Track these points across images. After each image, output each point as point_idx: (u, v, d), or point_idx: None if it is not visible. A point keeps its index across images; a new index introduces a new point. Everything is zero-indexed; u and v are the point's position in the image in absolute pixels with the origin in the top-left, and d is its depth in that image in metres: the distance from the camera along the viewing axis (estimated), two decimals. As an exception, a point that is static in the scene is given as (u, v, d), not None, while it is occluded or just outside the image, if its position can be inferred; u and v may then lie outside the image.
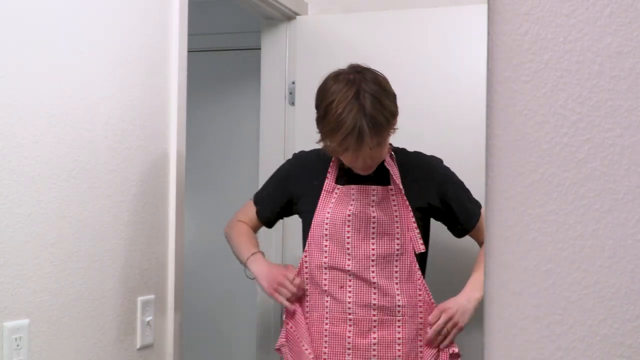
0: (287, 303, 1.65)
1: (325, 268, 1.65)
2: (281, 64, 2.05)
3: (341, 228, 1.64)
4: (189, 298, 1.77)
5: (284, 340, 1.70)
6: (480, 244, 1.69)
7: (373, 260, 1.62)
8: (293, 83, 2.00)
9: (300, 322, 1.66)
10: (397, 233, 1.62)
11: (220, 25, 2.38)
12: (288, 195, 1.76)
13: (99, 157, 1.49)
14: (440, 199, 1.67)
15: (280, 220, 1.84)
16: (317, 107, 1.61)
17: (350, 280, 1.63)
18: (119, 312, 1.56)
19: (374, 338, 1.61)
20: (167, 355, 1.70)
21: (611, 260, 0.99)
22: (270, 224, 1.81)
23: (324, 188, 1.67)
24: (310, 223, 1.67)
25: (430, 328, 1.60)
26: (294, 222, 1.80)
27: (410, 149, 1.72)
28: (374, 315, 1.62)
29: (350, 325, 1.62)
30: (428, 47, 1.91)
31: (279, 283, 1.66)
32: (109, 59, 1.52)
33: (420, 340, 1.62)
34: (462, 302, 1.61)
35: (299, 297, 1.67)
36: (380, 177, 1.65)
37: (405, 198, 1.62)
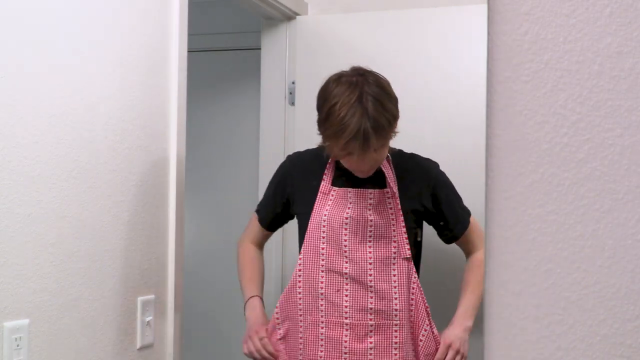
0: (247, 353, 1.69)
1: (322, 271, 1.64)
2: (281, 64, 2.05)
3: (339, 231, 1.63)
4: (189, 298, 1.77)
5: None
6: (467, 253, 1.70)
7: (370, 264, 1.61)
8: (293, 83, 2.00)
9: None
10: (394, 236, 1.62)
11: (220, 25, 2.38)
12: (285, 196, 1.76)
13: (99, 157, 1.49)
14: (433, 203, 1.67)
15: (265, 216, 1.84)
16: (319, 109, 1.60)
17: (347, 284, 1.62)
18: (119, 312, 1.56)
19: (371, 342, 1.60)
20: (167, 355, 1.70)
21: (611, 260, 0.99)
22: (271, 227, 1.81)
23: (320, 190, 1.67)
24: (306, 225, 1.66)
25: None
26: (293, 223, 1.79)
27: (410, 149, 1.72)
28: (370, 320, 1.61)
29: (346, 330, 1.61)
30: (428, 47, 1.91)
31: (249, 336, 1.71)
32: (109, 59, 1.52)
33: (419, 344, 1.62)
34: (460, 334, 1.63)
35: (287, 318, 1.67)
36: (376, 179, 1.65)
37: (398, 202, 1.62)
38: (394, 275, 1.61)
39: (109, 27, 1.51)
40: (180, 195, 1.71)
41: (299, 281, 1.66)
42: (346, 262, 1.62)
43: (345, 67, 1.62)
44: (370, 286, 1.61)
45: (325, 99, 1.58)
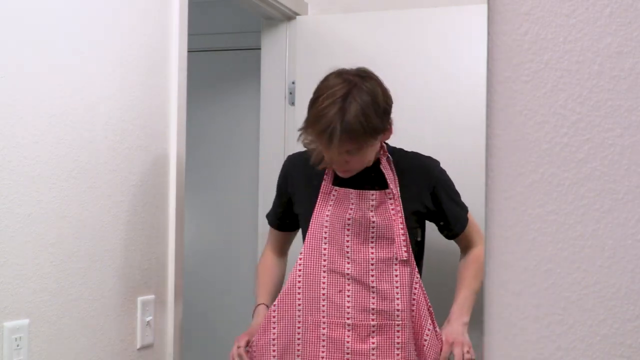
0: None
1: (324, 272, 1.64)
2: (281, 64, 2.05)
3: (341, 232, 1.63)
4: (189, 298, 1.77)
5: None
6: (464, 248, 1.71)
7: (372, 265, 1.61)
8: (293, 83, 2.00)
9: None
10: (395, 237, 1.62)
11: (220, 25, 2.38)
12: (287, 195, 1.77)
13: (99, 157, 1.49)
14: (434, 202, 1.67)
15: (274, 218, 1.84)
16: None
17: (349, 285, 1.62)
18: (119, 312, 1.56)
19: (373, 343, 1.60)
20: (167, 355, 1.70)
21: (611, 260, 0.99)
22: (282, 227, 1.81)
23: (321, 190, 1.66)
24: (308, 225, 1.66)
25: None
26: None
27: (410, 149, 1.71)
28: (372, 320, 1.61)
29: (348, 330, 1.61)
30: (428, 47, 1.91)
31: (235, 342, 1.70)
32: (109, 59, 1.52)
33: (424, 345, 1.62)
34: (461, 330, 1.62)
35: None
36: (377, 180, 1.65)
37: (398, 203, 1.62)
38: (396, 276, 1.61)
39: (109, 27, 1.51)
40: (180, 195, 1.71)
41: (299, 281, 1.66)
42: (348, 263, 1.62)
43: (345, 67, 1.62)
44: (372, 287, 1.61)
45: (318, 88, 1.60)
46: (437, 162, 1.69)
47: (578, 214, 1.00)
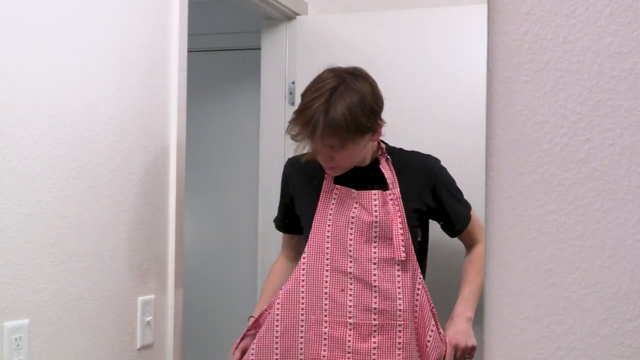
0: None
1: (327, 270, 1.64)
2: (281, 64, 2.05)
3: (344, 230, 1.63)
4: (189, 298, 1.77)
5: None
6: (468, 246, 1.71)
7: (375, 264, 1.61)
8: (293, 83, 2.00)
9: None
10: (397, 237, 1.62)
11: (220, 25, 2.38)
12: (289, 196, 1.77)
13: (99, 157, 1.49)
14: (435, 200, 1.68)
15: (280, 222, 1.84)
16: None
17: (351, 284, 1.62)
18: (119, 312, 1.56)
19: (374, 342, 1.60)
20: (167, 355, 1.70)
21: (611, 260, 0.99)
22: (288, 229, 1.81)
23: (322, 188, 1.67)
24: (310, 225, 1.66)
25: None
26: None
27: (410, 149, 1.71)
28: (374, 320, 1.61)
29: (350, 329, 1.61)
30: (428, 47, 1.91)
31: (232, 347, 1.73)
32: (109, 59, 1.52)
33: (426, 345, 1.62)
34: (463, 329, 1.62)
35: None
36: (377, 181, 1.65)
37: (398, 202, 1.62)
38: (398, 276, 1.61)
39: (109, 27, 1.51)
40: (180, 195, 1.71)
41: (302, 280, 1.66)
42: (350, 262, 1.62)
43: (344, 66, 1.62)
44: (375, 286, 1.61)
45: (310, 82, 1.61)
46: (437, 160, 1.69)
47: (578, 214, 1.00)
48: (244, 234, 2.30)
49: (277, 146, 2.03)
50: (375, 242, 1.62)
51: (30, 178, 1.33)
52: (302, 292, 1.66)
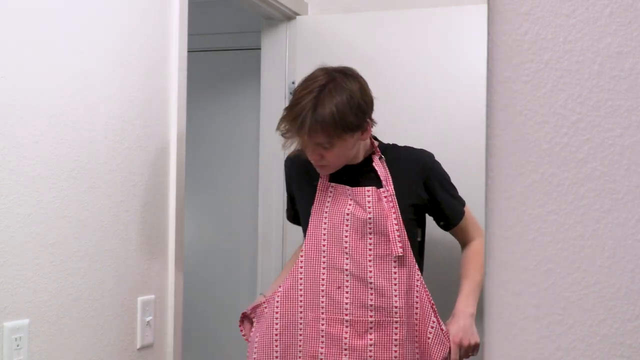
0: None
1: (324, 268, 1.65)
2: (281, 64, 2.05)
3: (339, 227, 1.64)
4: (189, 298, 1.77)
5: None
6: (463, 243, 1.72)
7: (370, 261, 1.62)
8: (293, 83, 2.00)
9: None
10: (392, 234, 1.62)
11: (220, 25, 2.38)
12: (290, 191, 1.80)
13: (99, 157, 1.49)
14: (428, 194, 1.68)
15: (280, 221, 1.84)
16: None
17: (347, 281, 1.62)
18: (119, 312, 1.56)
19: (371, 339, 1.61)
20: (167, 355, 1.70)
21: (611, 260, 0.99)
22: (297, 220, 1.82)
23: (318, 187, 1.68)
24: (307, 222, 1.67)
25: None
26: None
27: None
28: (370, 316, 1.61)
29: (346, 327, 1.62)
30: (428, 47, 1.91)
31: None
32: (109, 59, 1.52)
33: (428, 341, 1.62)
34: (465, 325, 1.62)
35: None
36: (372, 178, 1.65)
37: (392, 199, 1.62)
38: (395, 273, 1.61)
39: (109, 27, 1.51)
40: (180, 195, 1.71)
41: (300, 278, 1.66)
42: (347, 259, 1.63)
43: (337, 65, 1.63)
44: (370, 283, 1.61)
45: (302, 80, 1.63)
46: (430, 154, 1.70)
47: (578, 214, 1.00)
48: (244, 234, 2.30)
49: (277, 146, 2.02)
50: (370, 238, 1.62)
51: (30, 178, 1.33)
52: (301, 290, 1.66)
